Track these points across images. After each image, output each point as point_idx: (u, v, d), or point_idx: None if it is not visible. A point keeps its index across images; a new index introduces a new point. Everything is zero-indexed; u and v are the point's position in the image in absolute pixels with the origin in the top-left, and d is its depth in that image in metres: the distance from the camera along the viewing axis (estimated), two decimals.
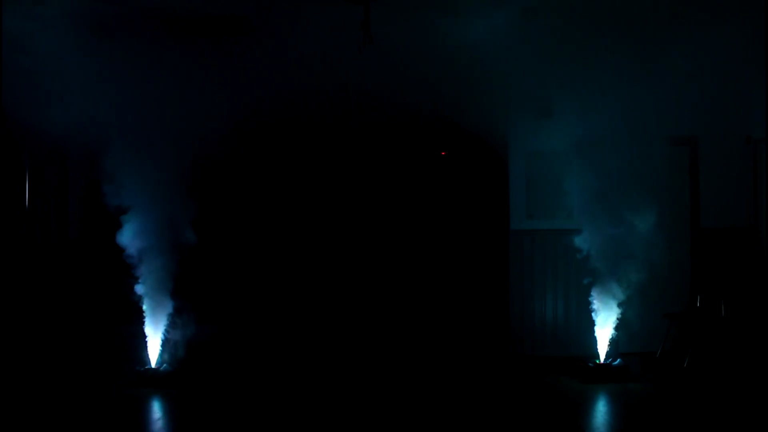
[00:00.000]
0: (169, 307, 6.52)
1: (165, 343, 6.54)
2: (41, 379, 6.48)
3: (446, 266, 7.95)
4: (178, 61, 6.31)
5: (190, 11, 6.07)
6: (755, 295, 7.06)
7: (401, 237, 7.93)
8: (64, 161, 8.02)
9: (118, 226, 6.47)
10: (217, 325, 7.81)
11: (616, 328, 6.60)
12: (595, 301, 6.62)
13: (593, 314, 6.63)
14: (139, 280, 6.45)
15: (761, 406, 5.51)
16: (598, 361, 6.56)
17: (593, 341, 6.66)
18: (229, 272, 8.09)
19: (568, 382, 6.36)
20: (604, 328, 6.59)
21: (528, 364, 7.02)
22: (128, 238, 6.42)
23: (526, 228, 7.37)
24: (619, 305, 6.55)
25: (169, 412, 5.62)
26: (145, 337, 6.51)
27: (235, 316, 7.99)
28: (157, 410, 5.70)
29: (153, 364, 6.49)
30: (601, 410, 5.66)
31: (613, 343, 6.64)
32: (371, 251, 7.89)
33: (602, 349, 6.59)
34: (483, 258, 7.89)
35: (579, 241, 6.68)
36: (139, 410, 5.65)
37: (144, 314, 6.50)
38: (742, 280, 7.21)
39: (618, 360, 6.49)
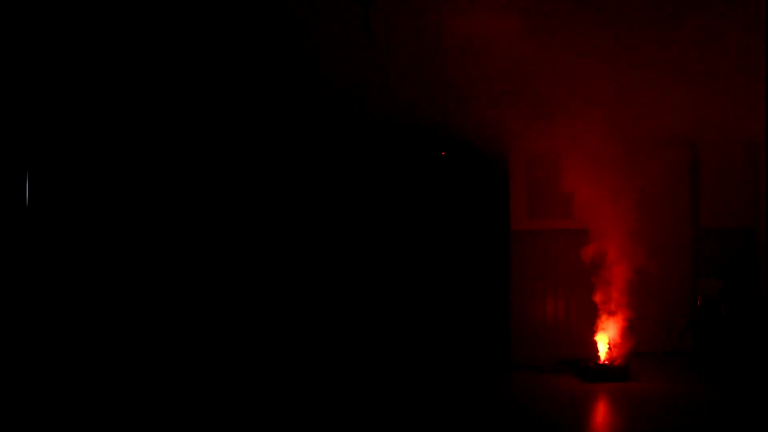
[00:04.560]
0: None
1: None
2: (44, 379, 6.47)
3: (446, 267, 7.92)
4: None
5: None
6: (755, 294, 7.07)
7: (400, 238, 7.91)
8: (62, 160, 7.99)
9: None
10: (214, 325, 7.80)
11: (617, 329, 6.61)
12: (596, 302, 6.63)
13: (595, 315, 6.65)
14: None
15: (761, 405, 5.52)
16: (598, 362, 6.56)
17: (594, 341, 6.66)
18: (226, 272, 8.07)
19: (570, 381, 6.36)
20: (605, 328, 6.60)
21: (529, 364, 7.01)
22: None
23: (527, 228, 7.37)
24: (620, 305, 6.56)
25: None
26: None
27: (233, 316, 7.98)
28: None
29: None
30: (602, 410, 5.66)
31: (614, 343, 6.64)
32: (370, 253, 7.87)
33: (603, 349, 6.60)
34: (484, 258, 7.87)
35: (581, 241, 6.70)
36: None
37: None
38: (742, 280, 7.22)
39: (618, 360, 6.49)
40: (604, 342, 6.60)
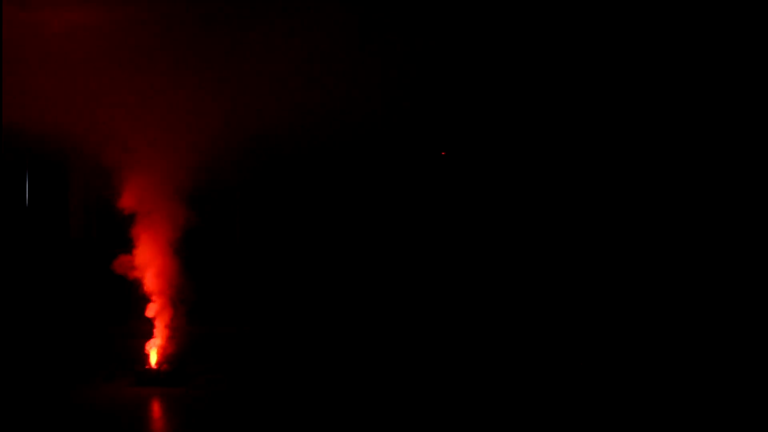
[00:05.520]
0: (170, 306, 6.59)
1: (165, 343, 6.57)
2: (42, 379, 6.48)
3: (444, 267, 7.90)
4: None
5: None
6: None
7: (400, 237, 7.90)
8: (65, 161, 8.00)
9: (120, 226, 6.53)
10: (219, 324, 7.82)
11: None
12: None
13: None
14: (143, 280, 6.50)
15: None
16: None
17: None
18: (231, 271, 8.08)
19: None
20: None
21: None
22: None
23: None
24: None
25: (169, 412, 5.63)
26: (145, 336, 6.55)
27: (236, 315, 7.99)
28: (157, 410, 5.72)
29: (153, 364, 6.51)
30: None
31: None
32: (369, 252, 7.87)
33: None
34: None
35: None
36: (139, 409, 5.66)
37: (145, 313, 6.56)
38: None
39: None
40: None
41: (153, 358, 6.51)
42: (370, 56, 6.16)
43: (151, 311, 6.57)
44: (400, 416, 5.37)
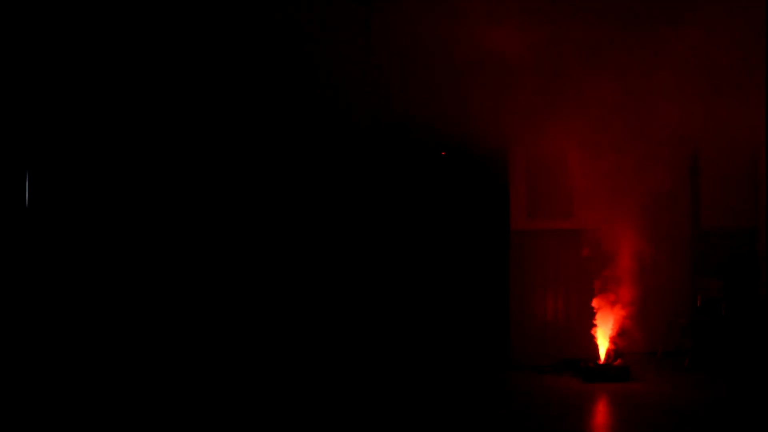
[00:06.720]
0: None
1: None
2: (44, 380, 6.46)
3: (447, 268, 7.91)
4: None
5: None
6: (755, 294, 7.09)
7: (403, 239, 7.90)
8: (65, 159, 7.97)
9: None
10: (214, 325, 7.79)
11: (617, 329, 6.62)
12: (596, 302, 6.64)
13: (594, 315, 6.66)
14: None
15: (762, 406, 5.52)
16: (599, 362, 6.57)
17: (594, 341, 6.67)
18: (226, 272, 8.05)
19: (570, 381, 6.36)
20: (605, 329, 6.60)
21: (530, 364, 7.00)
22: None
23: (527, 228, 7.34)
24: (620, 305, 6.57)
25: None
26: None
27: (233, 317, 7.97)
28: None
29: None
30: (602, 410, 5.67)
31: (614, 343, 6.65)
32: (372, 254, 7.86)
33: (603, 349, 6.60)
34: (484, 259, 7.87)
35: (580, 241, 6.71)
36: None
37: None
38: (742, 280, 7.24)
39: (618, 360, 6.49)
40: (604, 342, 6.60)
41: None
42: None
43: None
44: (400, 416, 5.38)
